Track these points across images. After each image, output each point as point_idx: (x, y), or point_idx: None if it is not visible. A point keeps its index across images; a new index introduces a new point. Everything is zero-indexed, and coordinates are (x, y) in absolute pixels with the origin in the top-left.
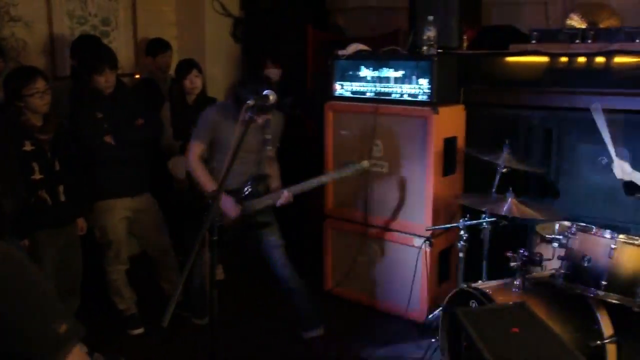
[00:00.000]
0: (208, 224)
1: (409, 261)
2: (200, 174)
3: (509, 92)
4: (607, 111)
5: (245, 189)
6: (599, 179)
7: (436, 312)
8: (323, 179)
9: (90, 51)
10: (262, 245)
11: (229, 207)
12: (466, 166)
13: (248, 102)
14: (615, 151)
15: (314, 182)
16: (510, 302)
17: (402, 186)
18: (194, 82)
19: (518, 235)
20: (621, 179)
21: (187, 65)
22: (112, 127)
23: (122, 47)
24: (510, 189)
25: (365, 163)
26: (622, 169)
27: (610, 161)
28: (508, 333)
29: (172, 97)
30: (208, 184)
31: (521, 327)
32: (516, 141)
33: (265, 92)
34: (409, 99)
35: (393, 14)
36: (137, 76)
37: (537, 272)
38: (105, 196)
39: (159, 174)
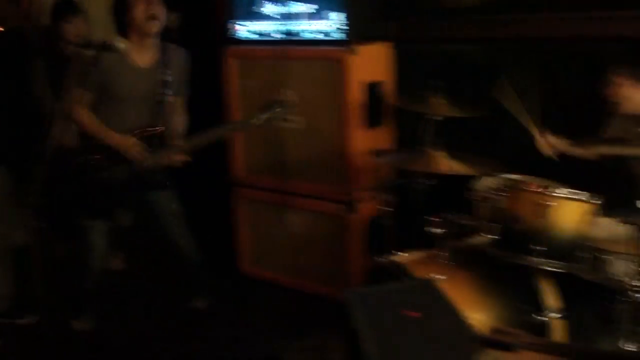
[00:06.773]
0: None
1: (334, 233)
2: (88, 122)
3: (448, 24)
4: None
5: None
6: None
7: None
8: (221, 131)
9: None
10: (155, 213)
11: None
12: (401, 116)
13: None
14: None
15: (210, 135)
16: (416, 279)
17: (320, 144)
18: (80, 28)
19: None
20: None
21: (71, 8)
22: None
23: None
24: (435, 140)
25: (254, 120)
26: (551, 143)
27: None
28: (405, 318)
29: (45, 48)
30: (99, 129)
31: (424, 311)
32: (457, 83)
33: None
34: (322, 37)
35: None
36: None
37: (474, 239)
38: None
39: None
